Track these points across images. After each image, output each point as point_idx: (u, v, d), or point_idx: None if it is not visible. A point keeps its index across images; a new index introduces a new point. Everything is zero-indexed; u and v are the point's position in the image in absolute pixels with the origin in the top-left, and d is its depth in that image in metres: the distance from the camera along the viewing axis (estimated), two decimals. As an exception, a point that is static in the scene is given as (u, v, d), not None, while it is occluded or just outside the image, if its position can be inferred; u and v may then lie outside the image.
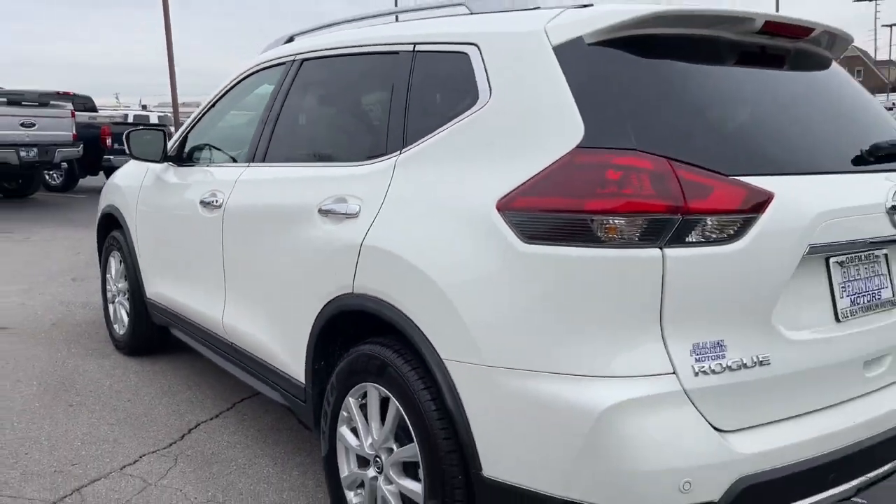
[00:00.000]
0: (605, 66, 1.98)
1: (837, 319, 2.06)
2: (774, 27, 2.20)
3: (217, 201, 3.30)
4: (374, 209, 2.37)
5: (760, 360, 1.86)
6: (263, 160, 3.15)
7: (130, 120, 15.03)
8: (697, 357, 1.80)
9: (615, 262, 1.78)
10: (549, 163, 1.90)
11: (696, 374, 1.79)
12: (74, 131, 12.32)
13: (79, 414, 3.70)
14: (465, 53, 2.29)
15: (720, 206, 1.80)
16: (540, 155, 1.93)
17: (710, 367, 1.80)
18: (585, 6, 2.13)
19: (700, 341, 1.81)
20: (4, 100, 11.39)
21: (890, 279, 2.24)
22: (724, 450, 1.79)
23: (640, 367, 1.77)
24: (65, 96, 13.32)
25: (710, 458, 1.77)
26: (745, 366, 1.84)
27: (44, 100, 11.87)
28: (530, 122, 2.02)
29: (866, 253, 2.17)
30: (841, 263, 2.09)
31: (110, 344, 4.74)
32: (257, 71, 3.52)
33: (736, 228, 1.82)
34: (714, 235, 1.80)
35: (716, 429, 1.81)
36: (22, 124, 11.41)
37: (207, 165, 3.68)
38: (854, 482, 2.00)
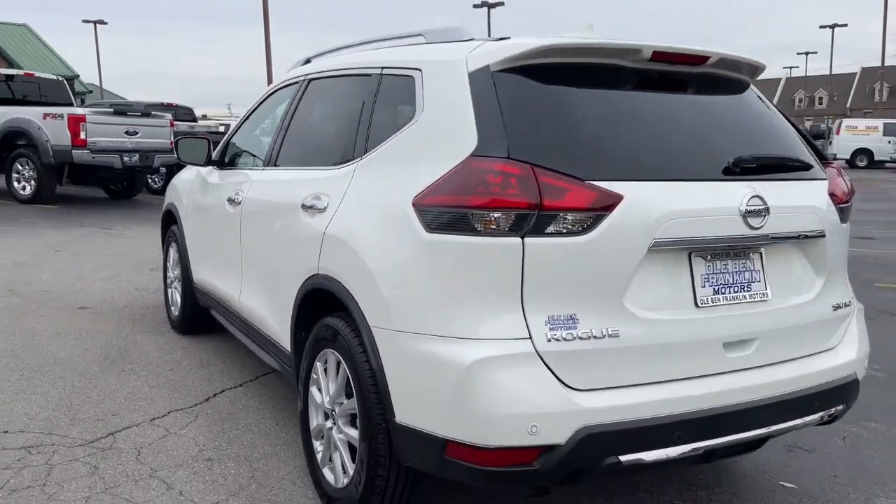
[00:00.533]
0: (501, 89, 2.41)
1: (696, 305, 2.41)
2: (666, 56, 2.57)
3: (238, 198, 3.90)
4: (336, 204, 2.88)
5: (610, 333, 2.25)
6: (275, 164, 3.73)
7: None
8: (551, 327, 2.20)
9: (486, 248, 2.21)
10: (450, 168, 2.34)
11: (549, 340, 2.19)
12: (172, 139, 13.46)
13: (128, 378, 4.37)
14: (412, 76, 2.77)
15: (573, 204, 2.21)
16: (447, 161, 2.37)
17: (561, 336, 2.20)
18: (501, 39, 2.57)
19: (555, 314, 2.21)
20: (111, 110, 12.63)
21: (763, 275, 2.56)
22: (570, 403, 2.18)
23: (502, 333, 2.20)
24: (167, 107, 14.52)
25: (556, 408, 2.17)
26: (594, 336, 2.23)
27: (147, 110, 13.07)
28: (445, 134, 2.47)
29: (736, 250, 2.50)
30: (704, 258, 2.44)
31: (167, 324, 5.45)
32: (280, 88, 4.11)
33: (587, 223, 2.22)
34: (567, 228, 2.21)
35: (567, 386, 2.20)
36: (126, 132, 12.59)
37: (239, 168, 4.29)
38: (701, 444, 2.34)
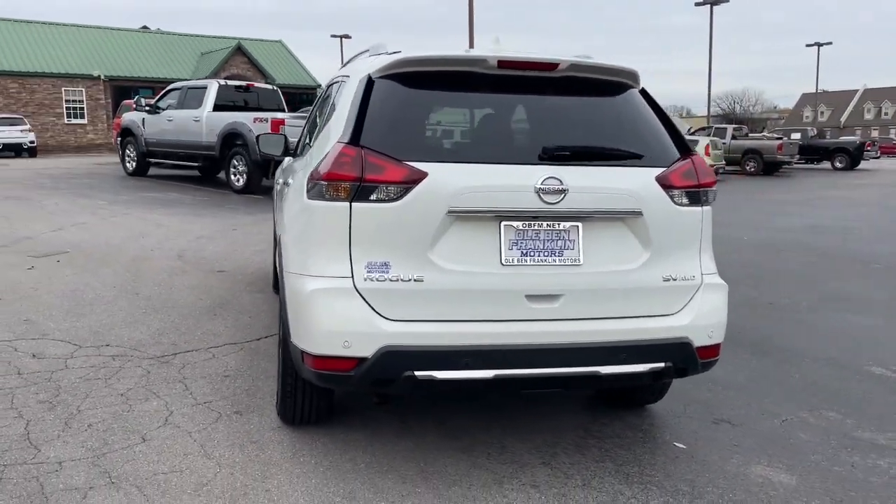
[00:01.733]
0: (374, 93, 3.15)
1: (502, 263, 2.98)
2: (511, 64, 3.16)
3: (285, 181, 4.95)
4: (290, 183, 3.79)
5: (415, 278, 2.92)
6: (300, 153, 4.72)
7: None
8: (368, 270, 2.93)
9: (328, 209, 2.99)
10: (326, 152, 3.15)
11: (365, 280, 2.92)
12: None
13: (215, 319, 5.61)
14: (343, 82, 3.60)
15: (388, 178, 2.91)
16: (330, 147, 3.18)
17: (375, 277, 2.92)
18: (393, 53, 3.31)
19: (372, 261, 2.93)
20: (305, 115, 14.58)
21: (579, 244, 3.05)
22: (375, 327, 2.89)
23: (333, 272, 2.96)
24: None
25: (365, 330, 2.89)
26: (402, 280, 2.91)
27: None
28: (336, 127, 3.26)
29: (549, 222, 3.03)
30: (515, 226, 3.00)
31: (270, 286, 6.69)
32: (326, 87, 5.10)
33: (399, 193, 2.91)
34: (384, 196, 2.92)
35: (380, 315, 2.91)
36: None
37: (295, 157, 5.35)
38: (490, 372, 2.92)
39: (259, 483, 3.13)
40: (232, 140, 14.67)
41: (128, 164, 17.76)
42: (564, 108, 3.30)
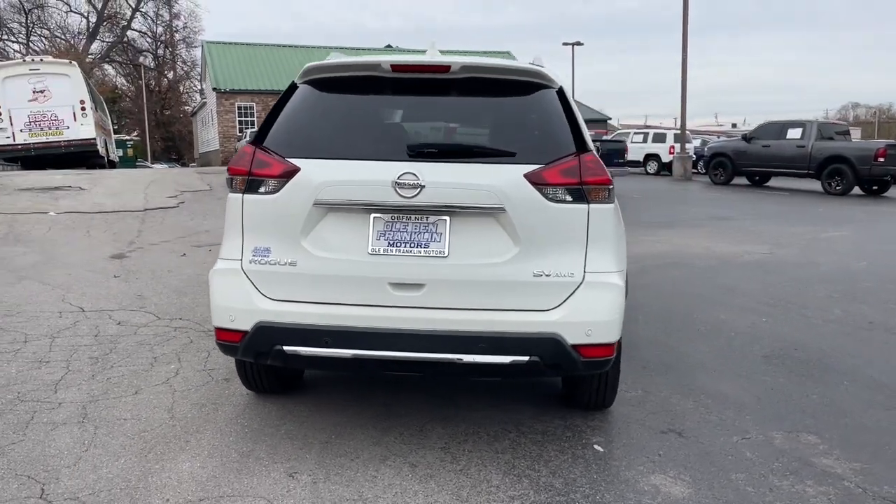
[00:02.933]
0: (293, 97, 3.53)
1: (369, 252, 3.21)
2: (405, 67, 3.37)
3: None
4: None
5: (290, 262, 3.25)
6: None
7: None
8: (253, 254, 3.31)
9: (230, 200, 3.42)
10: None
11: (251, 262, 3.31)
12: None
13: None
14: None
15: (269, 173, 3.28)
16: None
17: (258, 261, 3.30)
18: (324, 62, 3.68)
19: (257, 246, 3.31)
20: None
21: (447, 237, 3.18)
22: (253, 304, 3.27)
23: (229, 255, 3.38)
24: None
25: (245, 307, 3.28)
26: (279, 264, 3.26)
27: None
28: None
29: (417, 214, 3.20)
30: (384, 219, 3.21)
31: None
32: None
33: (279, 186, 3.26)
34: (267, 189, 3.29)
35: (262, 294, 3.28)
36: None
37: None
38: (349, 352, 3.16)
39: (189, 435, 3.65)
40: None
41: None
42: (458, 108, 3.44)
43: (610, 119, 61.84)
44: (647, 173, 28.93)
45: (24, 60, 23.41)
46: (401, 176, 3.16)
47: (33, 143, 22.89)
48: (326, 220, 3.27)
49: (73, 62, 23.83)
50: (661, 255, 9.15)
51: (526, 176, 3.19)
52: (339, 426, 3.77)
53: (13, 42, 55.54)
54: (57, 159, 22.63)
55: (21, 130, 22.84)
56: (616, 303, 3.29)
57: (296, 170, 3.26)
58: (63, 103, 23.04)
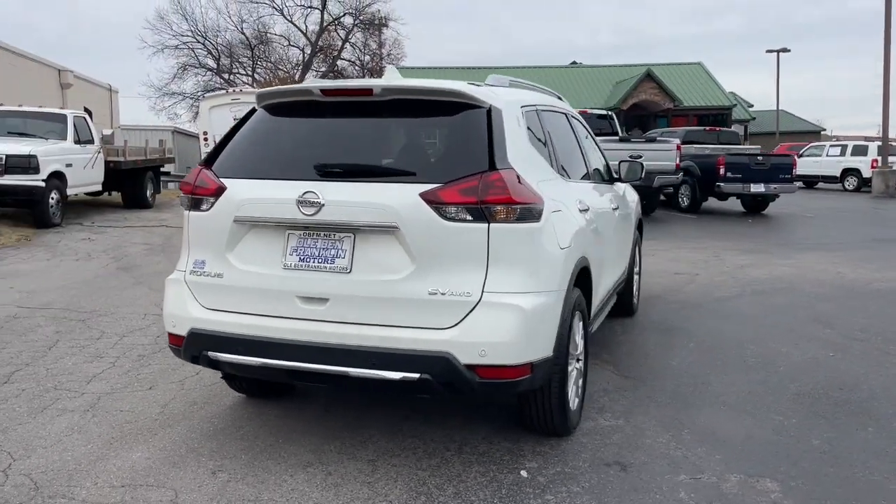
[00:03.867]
0: (247, 121, 3.82)
1: (283, 267, 3.38)
2: (334, 92, 3.53)
3: None
4: None
5: (217, 274, 3.51)
6: None
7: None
8: (193, 266, 3.61)
9: (184, 217, 3.75)
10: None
11: (190, 273, 3.61)
12: (678, 161, 14.77)
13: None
14: None
15: (205, 192, 3.56)
16: None
17: (196, 272, 3.59)
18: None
19: (196, 259, 3.60)
20: (617, 139, 14.74)
21: (351, 254, 3.28)
22: (188, 312, 3.56)
23: (179, 267, 3.71)
24: (710, 132, 15.85)
25: (183, 314, 3.57)
26: (210, 275, 3.53)
27: (651, 137, 14.73)
28: None
29: (331, 232, 3.32)
30: (297, 235, 3.38)
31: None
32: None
33: (210, 204, 3.54)
34: (204, 206, 3.58)
35: (199, 303, 3.57)
36: (630, 156, 14.53)
37: None
38: (257, 360, 3.34)
39: (161, 429, 4.03)
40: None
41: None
42: (379, 129, 3.53)
43: (824, 130, 56.96)
44: (845, 190, 26.35)
45: (227, 91, 26.05)
46: (303, 194, 3.32)
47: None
48: (249, 235, 3.50)
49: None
50: (775, 280, 8.43)
51: (422, 195, 3.21)
52: (296, 432, 3.97)
53: (242, 74, 62.10)
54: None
55: (225, 153, 25.42)
56: (518, 324, 3.20)
57: (224, 188, 3.53)
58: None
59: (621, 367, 5.13)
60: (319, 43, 61.89)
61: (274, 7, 61.01)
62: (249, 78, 60.46)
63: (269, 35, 61.32)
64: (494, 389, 3.30)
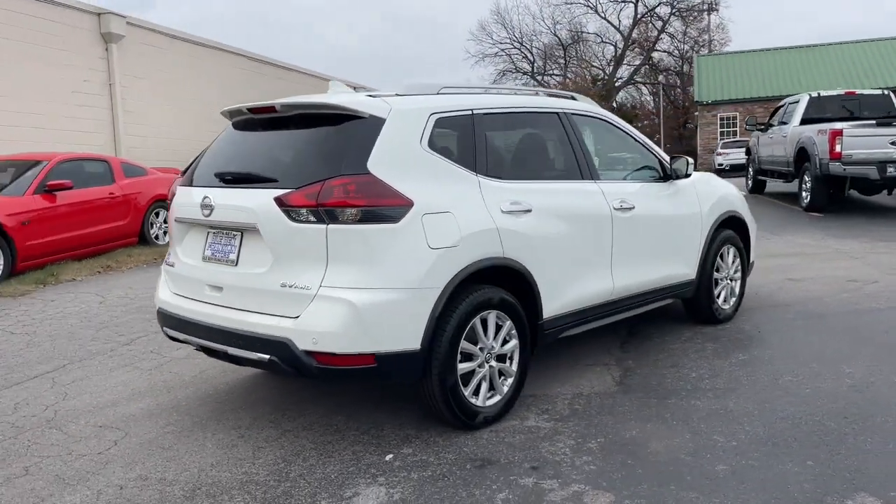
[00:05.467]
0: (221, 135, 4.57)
1: (202, 259, 4.04)
2: (254, 109, 4.10)
3: None
4: None
5: (172, 264, 4.29)
6: None
7: None
8: (168, 257, 4.44)
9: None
10: None
11: (165, 263, 4.45)
12: (956, 147, 12.35)
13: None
14: None
15: (169, 197, 4.36)
16: None
17: (167, 262, 4.41)
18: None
19: (170, 251, 4.43)
20: (874, 122, 12.75)
21: (238, 249, 3.83)
22: (159, 296, 4.38)
23: (169, 262, 4.58)
24: None
25: (158, 296, 4.42)
26: (170, 265, 4.32)
27: (927, 119, 12.51)
28: None
29: (226, 231, 3.92)
30: (212, 233, 4.01)
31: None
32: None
33: (171, 207, 4.34)
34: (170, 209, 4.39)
35: (168, 288, 4.40)
36: (892, 143, 12.54)
37: None
38: (182, 335, 4.04)
39: (138, 398, 4.98)
40: (803, 155, 14.03)
41: (748, 182, 18.41)
42: (279, 140, 4.00)
43: None
44: None
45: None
46: (203, 199, 3.96)
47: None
48: (189, 233, 4.23)
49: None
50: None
51: (275, 199, 3.64)
52: (240, 400, 4.63)
53: (557, 75, 63.88)
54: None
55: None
56: (345, 317, 3.49)
57: (175, 194, 4.32)
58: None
59: (624, 373, 4.91)
60: (633, 36, 61.31)
61: (588, 6, 61.96)
62: (562, 78, 62.04)
63: (582, 34, 62.41)
64: (335, 375, 3.62)
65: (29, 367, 5.61)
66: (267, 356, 3.66)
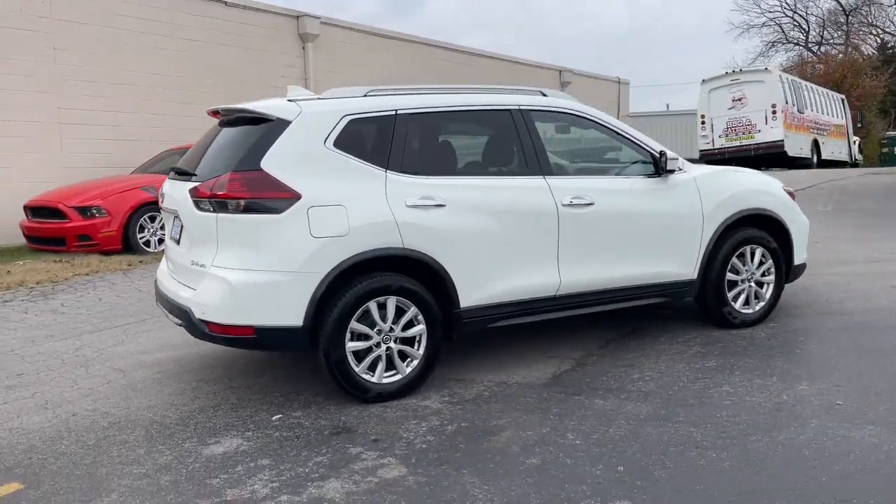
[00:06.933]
0: None
1: (170, 239, 4.86)
2: (210, 114, 4.82)
3: None
4: None
5: (164, 248, 5.18)
6: None
7: None
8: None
9: None
10: None
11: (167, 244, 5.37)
12: None
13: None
14: None
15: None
16: None
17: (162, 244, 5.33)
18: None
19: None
20: None
21: (181, 231, 4.57)
22: (157, 276, 5.30)
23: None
24: None
25: (157, 276, 5.34)
26: (167, 245, 5.23)
27: None
28: None
29: (174, 216, 4.68)
30: (172, 218, 4.80)
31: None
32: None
33: (169, 193, 5.21)
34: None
35: (161, 267, 5.30)
36: None
37: None
38: (161, 307, 4.90)
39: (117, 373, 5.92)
40: None
41: None
42: (221, 139, 4.65)
43: None
44: None
45: (726, 73, 25.73)
46: (163, 189, 4.76)
47: (727, 148, 25.29)
48: (172, 220, 5.07)
49: (768, 69, 25.06)
50: None
51: (189, 191, 4.33)
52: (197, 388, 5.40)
53: (837, 43, 56.88)
54: (745, 161, 24.51)
55: (719, 136, 25.50)
56: (223, 293, 4.10)
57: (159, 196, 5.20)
58: (757, 108, 24.68)
59: (571, 368, 4.94)
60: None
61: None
62: (843, 47, 55.33)
63: (871, -3, 55.18)
64: (224, 342, 4.24)
65: (120, 318, 6.93)
66: (181, 322, 4.40)
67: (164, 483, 3.50)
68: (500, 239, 4.69)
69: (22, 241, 11.15)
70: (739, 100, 25.08)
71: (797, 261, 5.97)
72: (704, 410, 4.10)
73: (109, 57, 13.26)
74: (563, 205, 4.88)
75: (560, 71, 25.09)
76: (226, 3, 14.81)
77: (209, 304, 4.18)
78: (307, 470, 3.58)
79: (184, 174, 4.69)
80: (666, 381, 4.61)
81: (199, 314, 4.23)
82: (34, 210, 10.72)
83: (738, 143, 25.03)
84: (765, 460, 3.47)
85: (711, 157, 25.43)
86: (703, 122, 25.63)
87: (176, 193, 4.61)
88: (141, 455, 3.84)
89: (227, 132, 4.70)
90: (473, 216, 4.59)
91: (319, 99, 4.55)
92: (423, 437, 3.92)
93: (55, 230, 10.36)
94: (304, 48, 16.34)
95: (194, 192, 4.32)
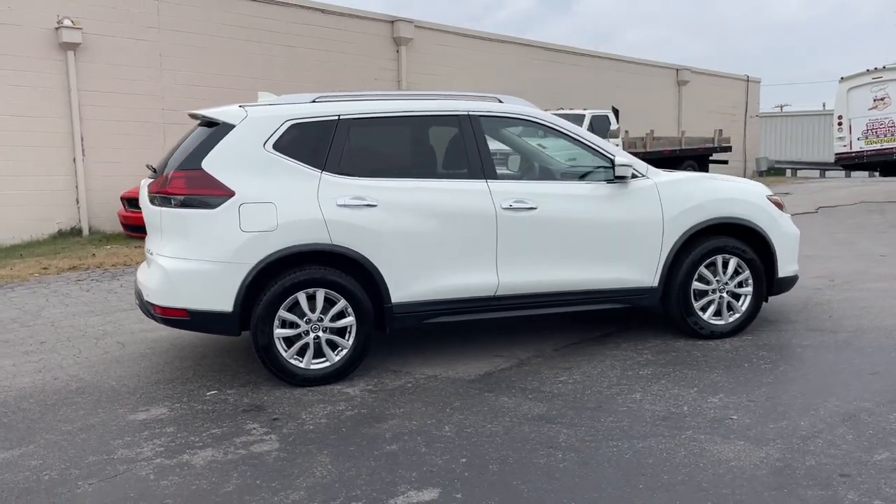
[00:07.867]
0: None
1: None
2: (190, 116, 5.36)
3: None
4: None
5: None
6: None
7: None
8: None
9: None
10: None
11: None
12: None
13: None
14: None
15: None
16: None
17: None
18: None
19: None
20: None
21: (161, 230, 5.10)
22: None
23: None
24: None
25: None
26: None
27: None
28: None
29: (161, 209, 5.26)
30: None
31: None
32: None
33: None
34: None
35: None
36: None
37: None
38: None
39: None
40: None
41: None
42: (189, 140, 5.16)
43: None
44: None
45: (867, 70, 23.93)
46: (141, 185, 5.35)
47: (867, 151, 23.63)
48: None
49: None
50: None
51: (146, 186, 4.88)
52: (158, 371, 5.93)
53: None
54: (886, 166, 22.79)
55: (858, 139, 23.82)
56: (159, 278, 4.62)
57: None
58: (902, 110, 22.93)
59: (508, 367, 5.08)
60: None
61: None
62: None
63: None
64: (164, 322, 4.74)
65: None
66: (139, 303, 4.97)
67: (78, 440, 4.05)
68: (434, 239, 4.91)
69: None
70: (882, 99, 23.34)
71: (782, 273, 5.72)
72: (593, 415, 4.15)
73: (210, 63, 14.47)
74: (503, 208, 5.02)
75: (677, 70, 24.28)
76: (322, 10, 15.69)
77: (152, 289, 4.72)
78: (196, 439, 4.01)
79: (153, 171, 5.26)
80: (585, 385, 4.65)
81: (146, 296, 4.78)
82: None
83: (878, 146, 23.31)
84: (601, 464, 3.51)
85: (849, 161, 23.92)
86: (839, 124, 23.96)
87: (144, 190, 5.18)
88: (80, 416, 4.42)
89: (194, 134, 5.21)
90: (405, 216, 4.84)
91: (268, 105, 4.96)
92: (317, 419, 4.23)
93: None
94: (397, 51, 16.97)
95: (150, 188, 4.87)
